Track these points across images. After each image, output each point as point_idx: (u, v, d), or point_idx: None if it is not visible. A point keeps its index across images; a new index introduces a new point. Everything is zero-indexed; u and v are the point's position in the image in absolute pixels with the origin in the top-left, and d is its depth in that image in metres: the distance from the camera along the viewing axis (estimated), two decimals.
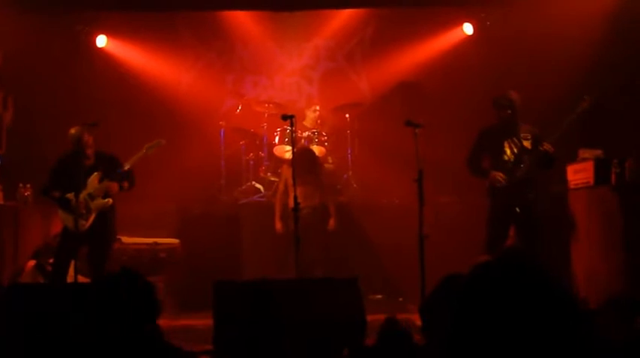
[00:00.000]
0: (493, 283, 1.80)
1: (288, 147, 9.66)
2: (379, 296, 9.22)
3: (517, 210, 7.73)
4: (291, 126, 7.58)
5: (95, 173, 7.76)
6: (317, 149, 9.84)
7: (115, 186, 7.79)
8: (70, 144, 7.78)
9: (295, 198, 7.32)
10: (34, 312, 5.27)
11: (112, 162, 7.91)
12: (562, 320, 1.74)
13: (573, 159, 8.40)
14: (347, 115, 10.77)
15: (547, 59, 10.01)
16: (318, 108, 10.72)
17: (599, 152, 8.24)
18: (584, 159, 8.24)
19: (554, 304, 1.76)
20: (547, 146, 7.55)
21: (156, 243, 9.27)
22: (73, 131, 7.75)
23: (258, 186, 10.51)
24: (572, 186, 8.33)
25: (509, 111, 7.79)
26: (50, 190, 7.76)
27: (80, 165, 7.72)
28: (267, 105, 10.85)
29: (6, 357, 3.63)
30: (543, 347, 1.71)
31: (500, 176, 7.72)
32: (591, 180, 8.02)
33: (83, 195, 7.63)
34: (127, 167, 7.81)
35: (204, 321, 6.98)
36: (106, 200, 7.77)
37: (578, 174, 8.24)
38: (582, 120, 7.71)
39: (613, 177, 7.86)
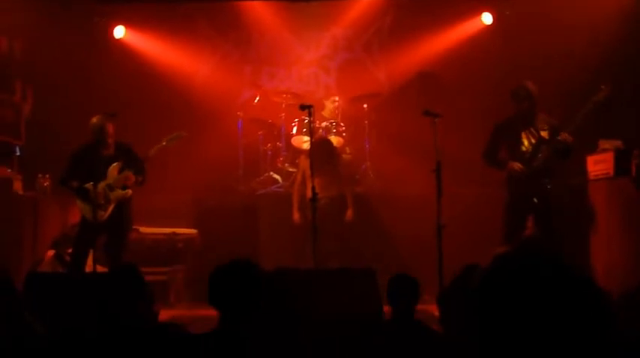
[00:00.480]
0: (512, 274, 1.78)
1: (306, 138, 9.64)
2: None
3: (535, 200, 7.68)
4: (310, 116, 7.56)
5: (115, 163, 7.78)
6: (335, 139, 9.82)
7: (132, 177, 7.81)
8: (92, 134, 7.80)
9: (313, 188, 7.30)
10: (52, 301, 5.30)
11: (130, 153, 7.93)
12: (585, 312, 1.72)
13: (593, 149, 8.33)
14: (365, 106, 10.72)
15: (566, 49, 9.94)
16: (337, 99, 10.68)
17: (619, 143, 8.17)
18: (605, 150, 8.18)
19: (576, 295, 1.74)
20: (565, 136, 7.50)
21: (174, 233, 9.31)
22: (94, 120, 7.78)
23: (275, 176, 10.49)
24: (591, 177, 8.27)
25: (527, 103, 7.74)
26: (68, 180, 7.78)
27: (99, 155, 7.75)
28: (284, 95, 10.82)
29: (23, 345, 3.65)
30: (566, 339, 1.69)
31: (518, 166, 7.69)
32: (611, 171, 7.96)
33: (102, 185, 7.65)
34: (151, 154, 7.84)
35: None
36: (126, 191, 7.80)
37: (598, 165, 8.19)
38: (602, 111, 7.63)
39: (633, 168, 7.80)
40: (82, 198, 7.68)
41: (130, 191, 7.82)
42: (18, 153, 9.54)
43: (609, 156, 8.03)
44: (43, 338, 3.80)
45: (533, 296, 1.72)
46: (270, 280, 5.47)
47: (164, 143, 7.94)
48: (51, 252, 8.61)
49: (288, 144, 10.55)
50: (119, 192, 7.76)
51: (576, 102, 7.97)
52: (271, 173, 10.53)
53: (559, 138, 7.52)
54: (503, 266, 1.83)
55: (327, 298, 5.55)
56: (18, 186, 9.08)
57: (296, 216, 8.92)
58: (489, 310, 1.77)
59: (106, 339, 3.69)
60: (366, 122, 10.65)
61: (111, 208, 7.71)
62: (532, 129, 7.76)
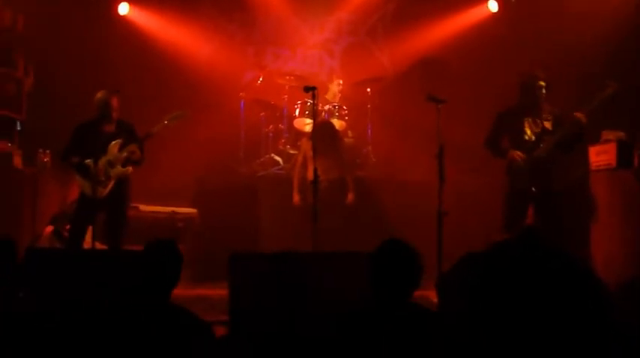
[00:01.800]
0: (510, 262, 1.77)
1: (309, 120, 9.63)
2: None
3: (533, 189, 7.65)
4: (313, 98, 7.53)
5: (116, 140, 7.76)
6: (337, 123, 9.79)
7: (138, 152, 7.79)
8: (96, 108, 7.78)
9: (315, 170, 7.28)
10: (49, 277, 5.30)
11: (131, 131, 7.91)
12: (583, 301, 1.71)
13: (596, 140, 8.30)
14: (368, 90, 10.70)
15: (572, 38, 9.87)
16: (341, 82, 10.64)
17: (622, 134, 8.14)
18: (607, 141, 8.15)
19: (574, 284, 1.72)
20: (580, 115, 7.43)
21: (174, 212, 9.30)
22: (100, 94, 7.77)
23: (277, 158, 10.48)
24: (593, 168, 8.24)
25: (536, 92, 7.69)
26: (69, 156, 7.76)
27: (101, 131, 7.74)
28: (288, 77, 10.78)
29: (20, 320, 3.64)
30: (562, 328, 1.67)
31: (519, 155, 7.66)
32: (613, 162, 7.93)
33: (102, 161, 7.63)
34: (153, 131, 7.82)
35: (220, 292, 7.00)
36: (126, 168, 7.78)
37: (600, 155, 8.15)
38: (606, 103, 7.59)
39: (636, 159, 7.77)
40: (82, 174, 7.66)
41: (130, 168, 7.80)
42: (19, 128, 9.51)
43: (612, 147, 8.00)
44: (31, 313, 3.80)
45: (529, 284, 1.71)
46: (268, 262, 5.47)
47: (166, 122, 7.90)
48: (49, 228, 8.60)
49: (290, 126, 10.53)
50: (119, 169, 7.73)
51: (581, 92, 7.95)
52: (272, 155, 10.51)
53: (574, 116, 7.44)
54: (498, 254, 1.82)
55: (326, 280, 5.54)
56: (18, 161, 9.05)
57: (296, 198, 8.91)
58: (485, 297, 1.76)
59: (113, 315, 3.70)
60: (369, 106, 10.63)
61: (110, 185, 7.69)
62: (536, 119, 7.72)
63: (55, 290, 5.17)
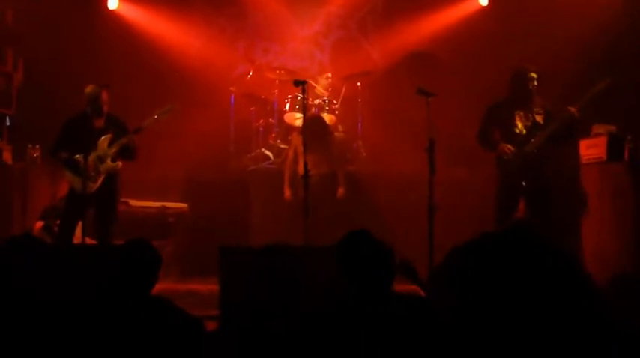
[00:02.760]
0: (500, 255, 1.76)
1: (299, 115, 9.61)
2: None
3: (523, 183, 7.65)
4: (303, 92, 7.51)
5: (105, 135, 7.73)
6: (327, 117, 9.78)
7: (133, 143, 7.76)
8: (87, 103, 7.74)
9: (305, 164, 7.27)
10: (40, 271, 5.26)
11: (121, 126, 7.87)
12: (570, 296, 1.71)
13: (587, 134, 8.31)
14: (358, 84, 10.70)
15: (562, 32, 9.88)
16: (330, 75, 10.63)
17: (612, 128, 8.16)
18: (598, 135, 8.17)
19: (562, 278, 1.72)
20: (572, 109, 7.44)
21: (164, 207, 9.27)
22: (90, 89, 7.72)
23: (267, 152, 10.46)
24: (584, 161, 8.26)
25: (527, 85, 7.70)
26: (58, 151, 7.73)
27: (90, 126, 7.71)
28: (278, 71, 10.76)
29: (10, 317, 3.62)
30: (550, 322, 1.67)
31: (508, 148, 7.66)
32: (604, 156, 7.96)
33: (92, 157, 7.60)
34: (143, 126, 7.79)
35: (210, 286, 6.99)
36: (116, 163, 7.75)
37: (591, 149, 8.17)
38: (600, 97, 7.59)
39: (626, 153, 7.79)
40: (71, 170, 7.63)
41: (120, 163, 7.78)
42: (8, 123, 9.48)
43: (602, 141, 8.02)
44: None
45: (519, 277, 1.71)
46: (258, 255, 5.46)
47: (156, 116, 7.88)
48: (40, 223, 8.57)
49: (281, 121, 10.51)
50: (109, 164, 7.71)
51: (573, 85, 7.95)
52: (263, 149, 10.50)
53: (568, 110, 7.45)
54: (489, 246, 1.81)
55: (317, 274, 5.53)
56: (7, 156, 9.03)
57: (287, 192, 8.90)
58: (475, 290, 1.76)
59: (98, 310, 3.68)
60: (359, 100, 10.62)
61: (100, 180, 7.66)
62: (527, 113, 7.72)
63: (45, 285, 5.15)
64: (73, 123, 7.77)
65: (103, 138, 7.70)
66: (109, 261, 4.14)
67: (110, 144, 7.70)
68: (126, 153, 7.80)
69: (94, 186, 7.62)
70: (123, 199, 8.63)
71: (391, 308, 3.57)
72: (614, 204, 7.71)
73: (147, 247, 4.05)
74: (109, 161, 7.70)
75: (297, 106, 9.93)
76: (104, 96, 7.74)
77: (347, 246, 3.73)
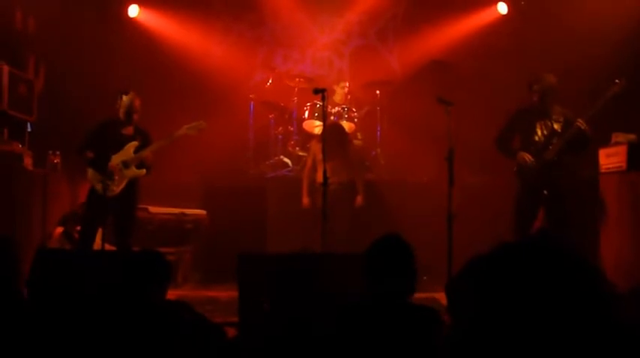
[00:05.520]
0: (521, 265, 1.76)
1: (318, 122, 9.63)
2: None
3: (545, 192, 7.63)
4: (323, 100, 7.52)
5: (132, 142, 7.78)
6: (346, 125, 9.79)
7: (151, 157, 7.82)
8: (121, 110, 7.80)
9: (325, 172, 7.26)
10: (60, 277, 5.30)
11: (147, 137, 7.94)
12: (591, 304, 1.70)
13: (606, 142, 8.27)
14: (377, 92, 10.71)
15: (581, 40, 9.84)
16: (347, 84, 10.64)
17: (633, 136, 8.10)
18: (618, 143, 8.11)
19: (583, 287, 1.72)
20: (580, 122, 7.42)
21: (183, 214, 9.31)
22: (127, 97, 7.80)
23: (286, 160, 10.49)
24: (603, 171, 8.20)
25: (543, 95, 7.68)
26: (85, 150, 7.78)
27: (119, 132, 7.80)
28: (297, 79, 10.79)
29: (29, 321, 3.65)
30: (569, 329, 1.67)
31: (527, 156, 7.64)
32: (624, 165, 7.89)
33: (117, 160, 7.66)
34: (174, 136, 7.86)
35: (228, 293, 7.01)
36: (141, 170, 7.79)
37: (611, 158, 8.12)
38: (617, 104, 7.55)
39: None
40: (96, 169, 7.66)
41: (144, 170, 7.82)
42: (29, 130, 9.53)
43: (622, 150, 7.96)
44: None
45: (539, 288, 1.71)
46: (277, 263, 5.46)
47: (184, 131, 7.92)
48: (59, 229, 8.63)
49: (300, 128, 10.54)
50: (134, 171, 7.75)
51: (592, 93, 7.90)
52: (282, 157, 10.53)
53: (575, 123, 7.45)
54: (509, 255, 1.81)
55: (335, 282, 5.53)
56: (28, 162, 9.06)
57: (305, 200, 8.90)
58: (491, 299, 1.76)
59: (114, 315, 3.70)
60: (378, 108, 10.63)
61: (123, 185, 7.70)
62: (547, 121, 7.70)
63: (60, 290, 5.18)
64: (104, 127, 7.86)
65: (130, 144, 7.76)
66: (117, 269, 4.14)
67: (136, 152, 7.76)
68: (147, 163, 7.86)
69: (116, 189, 7.65)
70: (142, 205, 8.67)
71: (407, 317, 3.57)
72: (634, 213, 7.65)
73: (156, 257, 4.04)
74: (133, 167, 7.75)
75: (316, 114, 9.95)
76: (137, 104, 7.83)
77: (379, 247, 3.73)
